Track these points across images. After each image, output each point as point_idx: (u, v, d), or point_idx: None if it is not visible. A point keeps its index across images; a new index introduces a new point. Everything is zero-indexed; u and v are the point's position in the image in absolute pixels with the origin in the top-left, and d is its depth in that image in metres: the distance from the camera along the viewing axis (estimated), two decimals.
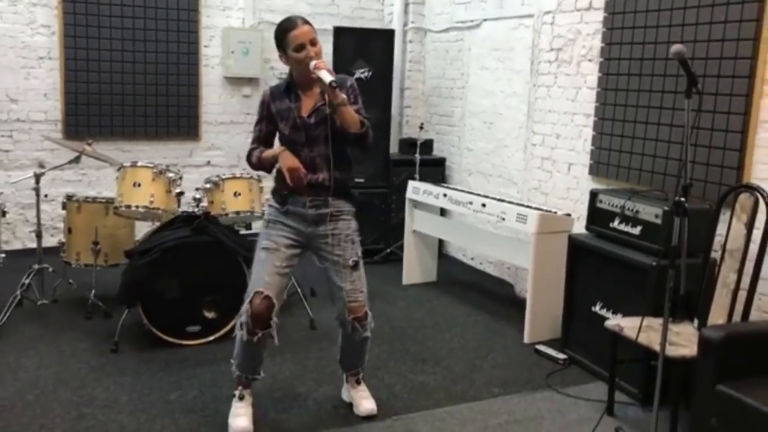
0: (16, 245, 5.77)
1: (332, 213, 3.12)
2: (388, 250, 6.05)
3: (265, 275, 3.04)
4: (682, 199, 2.72)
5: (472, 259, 6.11)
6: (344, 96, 2.96)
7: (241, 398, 3.17)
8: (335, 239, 3.12)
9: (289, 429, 3.20)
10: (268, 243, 3.09)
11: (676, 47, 2.63)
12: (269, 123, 3.15)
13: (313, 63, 2.91)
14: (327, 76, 2.88)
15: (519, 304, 5.02)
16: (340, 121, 2.99)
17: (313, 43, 2.96)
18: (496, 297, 5.25)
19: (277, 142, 3.25)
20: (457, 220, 5.71)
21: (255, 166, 3.21)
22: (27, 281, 4.38)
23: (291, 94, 3.09)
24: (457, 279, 5.67)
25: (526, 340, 4.31)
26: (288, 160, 3.02)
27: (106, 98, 5.88)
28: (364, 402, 3.33)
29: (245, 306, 3.03)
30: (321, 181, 3.08)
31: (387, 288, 5.28)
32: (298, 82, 3.09)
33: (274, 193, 3.18)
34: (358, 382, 3.39)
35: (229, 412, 3.17)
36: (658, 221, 3.54)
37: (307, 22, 2.99)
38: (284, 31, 2.96)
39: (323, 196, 3.09)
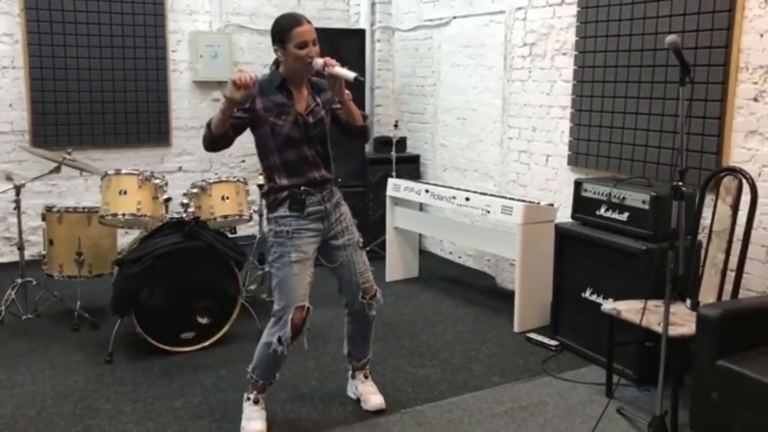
0: None
1: (337, 201, 3.20)
2: (368, 248, 6.06)
3: (301, 288, 3.04)
4: (680, 183, 2.83)
5: (451, 253, 6.19)
6: (349, 92, 3.03)
7: (256, 402, 3.18)
8: (343, 224, 3.20)
9: (301, 429, 3.21)
10: (299, 255, 3.03)
11: (670, 38, 2.73)
12: (247, 112, 3.00)
13: (320, 61, 2.92)
14: (349, 72, 2.90)
15: (503, 294, 5.13)
16: (346, 116, 3.11)
17: (315, 43, 2.96)
18: (479, 289, 5.33)
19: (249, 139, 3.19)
20: (435, 215, 5.77)
21: (213, 131, 2.94)
22: (13, 296, 4.27)
23: (283, 90, 3.03)
24: (438, 274, 5.74)
25: (516, 329, 4.40)
26: (236, 75, 2.91)
27: (74, 107, 5.77)
28: (373, 397, 3.36)
29: (285, 322, 3.01)
30: (324, 176, 3.13)
31: None
32: (289, 78, 3.04)
33: (283, 202, 3.06)
34: (366, 377, 3.43)
35: (242, 415, 3.18)
36: (646, 207, 3.66)
37: (309, 22, 2.98)
38: (288, 27, 2.94)
39: (328, 188, 3.15)
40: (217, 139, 2.98)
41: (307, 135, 3.06)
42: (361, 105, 6.07)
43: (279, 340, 3.02)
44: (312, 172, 3.08)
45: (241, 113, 2.99)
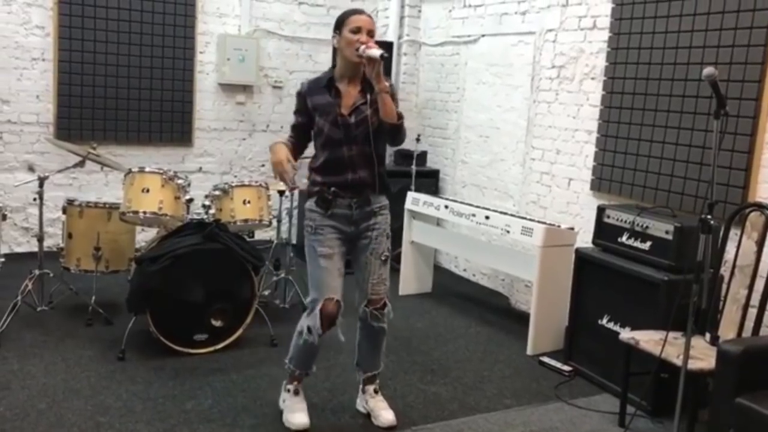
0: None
1: (374, 209, 3.17)
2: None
3: (331, 281, 3.09)
4: (708, 216, 2.81)
5: (465, 270, 6.17)
6: (387, 84, 3.00)
7: (297, 393, 3.27)
8: (374, 233, 3.17)
9: None
10: (324, 249, 3.09)
11: (708, 70, 2.72)
12: (304, 115, 3.16)
13: (363, 47, 2.94)
14: (376, 51, 2.91)
15: (516, 315, 5.11)
16: (381, 110, 3.00)
17: (371, 34, 3.02)
18: (493, 309, 5.31)
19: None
20: (451, 231, 5.75)
21: None
22: (30, 286, 4.28)
23: (331, 89, 3.09)
24: (452, 290, 5.72)
25: (529, 351, 4.37)
26: (275, 155, 3.02)
27: (100, 102, 5.81)
28: (384, 413, 3.34)
29: (315, 313, 3.09)
30: (362, 179, 3.10)
31: None
32: (341, 73, 3.10)
33: (313, 196, 3.14)
34: (376, 392, 3.42)
35: (282, 405, 3.30)
36: (669, 237, 3.63)
37: (370, 17, 3.09)
38: (349, 13, 3.07)
39: (365, 194, 3.13)
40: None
41: (347, 135, 3.07)
42: None
43: (309, 329, 3.11)
44: (347, 173, 3.09)
45: (299, 118, 3.18)
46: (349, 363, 3.99)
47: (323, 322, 3.07)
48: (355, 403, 3.51)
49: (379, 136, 3.09)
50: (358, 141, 3.07)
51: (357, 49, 2.96)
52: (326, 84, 3.09)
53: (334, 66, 3.16)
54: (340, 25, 3.06)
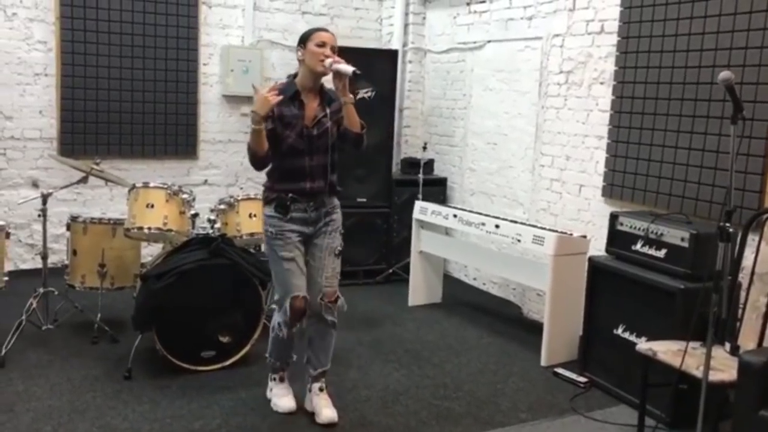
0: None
1: (327, 211, 3.40)
2: (390, 271, 5.99)
3: (296, 280, 3.31)
4: (727, 224, 2.73)
5: (475, 279, 6.09)
6: (352, 96, 3.26)
7: (282, 380, 3.54)
8: (329, 229, 3.40)
9: None
10: (287, 253, 3.28)
11: (724, 74, 2.63)
12: (271, 122, 3.23)
13: (329, 60, 3.16)
14: (348, 67, 3.12)
15: (529, 325, 5.02)
16: (346, 120, 3.29)
17: (333, 50, 3.24)
18: (505, 318, 5.22)
19: None
20: (460, 240, 5.67)
21: (249, 148, 3.22)
22: (34, 305, 4.22)
23: (296, 101, 3.26)
24: (462, 300, 5.63)
25: (543, 362, 4.28)
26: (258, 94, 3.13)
27: (103, 116, 5.76)
28: (326, 410, 3.41)
29: (284, 310, 3.32)
30: (319, 187, 3.32)
31: (394, 309, 5.24)
32: (303, 85, 3.28)
33: (271, 202, 3.30)
34: (321, 390, 3.49)
35: (270, 394, 3.55)
36: (685, 244, 3.55)
37: (333, 34, 3.28)
38: (312, 31, 3.27)
39: (320, 198, 3.36)
40: (262, 158, 3.22)
41: (309, 146, 3.29)
42: (389, 125, 6.06)
43: (279, 325, 3.38)
44: (305, 182, 3.29)
45: (269, 124, 3.21)
46: (359, 378, 3.94)
47: (293, 316, 3.31)
48: (366, 420, 3.45)
49: (336, 147, 3.36)
50: (318, 152, 3.30)
51: (322, 61, 3.17)
52: (292, 96, 3.25)
53: (293, 77, 3.32)
54: (305, 40, 3.26)
